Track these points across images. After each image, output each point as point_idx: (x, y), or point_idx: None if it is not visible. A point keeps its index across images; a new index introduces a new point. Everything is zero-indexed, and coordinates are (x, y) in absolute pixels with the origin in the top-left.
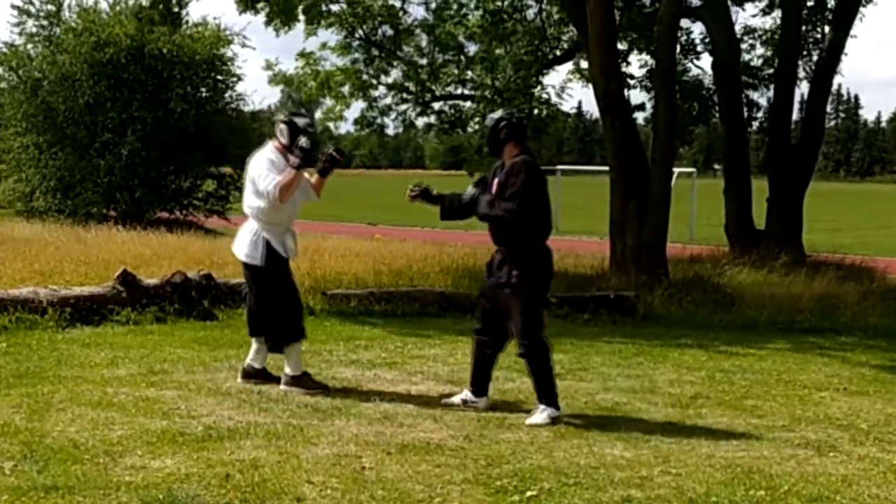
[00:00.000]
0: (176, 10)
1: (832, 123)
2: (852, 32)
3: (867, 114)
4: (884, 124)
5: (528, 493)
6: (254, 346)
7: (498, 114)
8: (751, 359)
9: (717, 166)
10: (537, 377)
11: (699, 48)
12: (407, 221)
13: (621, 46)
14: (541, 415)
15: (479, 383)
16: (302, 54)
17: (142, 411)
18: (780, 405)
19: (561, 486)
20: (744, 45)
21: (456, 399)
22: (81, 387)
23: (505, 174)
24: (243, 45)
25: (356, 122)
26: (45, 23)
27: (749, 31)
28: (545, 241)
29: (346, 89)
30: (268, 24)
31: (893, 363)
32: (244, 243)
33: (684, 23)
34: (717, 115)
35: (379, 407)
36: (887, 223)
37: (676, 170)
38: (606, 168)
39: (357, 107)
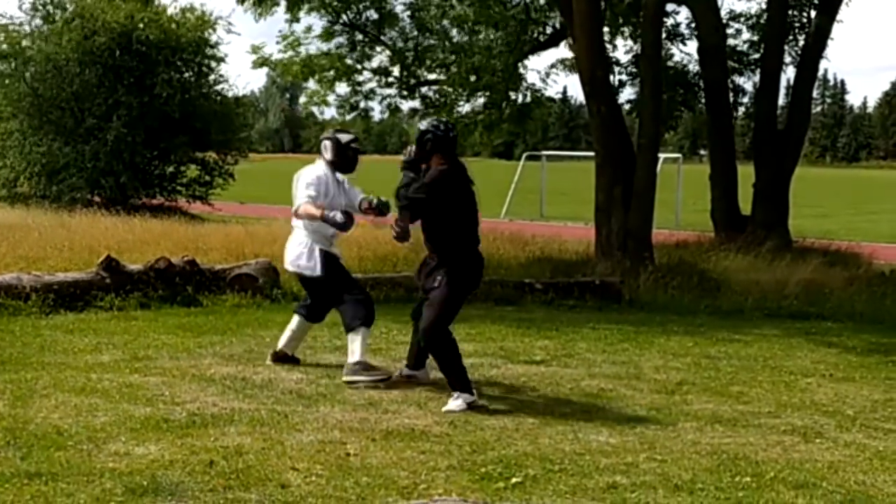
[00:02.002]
0: None
1: (818, 109)
2: (838, 17)
3: (853, 99)
4: (870, 110)
5: (514, 480)
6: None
7: (425, 125)
8: (737, 345)
9: (702, 152)
10: (443, 369)
11: (685, 33)
12: (392, 207)
13: (607, 30)
14: (454, 401)
15: (416, 358)
16: (285, 37)
17: (125, 398)
18: (766, 391)
19: (546, 473)
20: (729, 31)
21: (397, 373)
22: (65, 373)
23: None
24: (228, 31)
25: (339, 105)
26: (38, 7)
27: (735, 15)
28: (468, 248)
29: (330, 74)
30: (242, 2)
31: (879, 349)
32: (297, 255)
33: (670, 7)
34: (703, 100)
35: (363, 393)
36: (873, 209)
37: (662, 155)
38: (592, 154)
39: (340, 91)
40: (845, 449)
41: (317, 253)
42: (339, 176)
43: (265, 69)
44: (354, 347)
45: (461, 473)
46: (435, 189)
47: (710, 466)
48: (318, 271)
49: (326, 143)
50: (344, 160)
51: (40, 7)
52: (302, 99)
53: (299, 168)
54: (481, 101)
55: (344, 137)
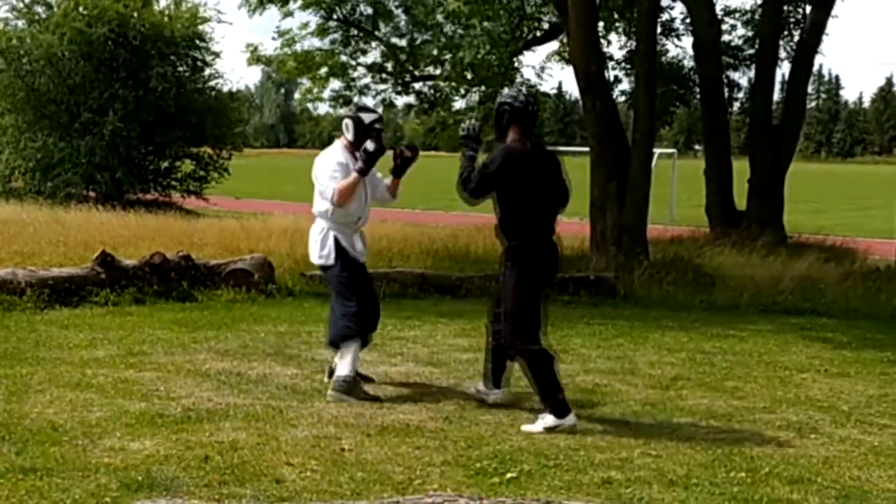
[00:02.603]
0: None
1: (813, 104)
2: (833, 12)
3: (849, 94)
4: (865, 105)
5: (509, 475)
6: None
7: (503, 96)
8: (731, 340)
9: (697, 147)
10: (533, 377)
11: (680, 29)
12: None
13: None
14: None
15: (495, 374)
16: (281, 33)
17: (120, 393)
18: (761, 387)
19: (541, 468)
20: (724, 26)
21: (472, 388)
22: (60, 368)
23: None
24: (219, 21)
25: (333, 99)
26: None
27: (730, 11)
28: (535, 237)
29: (323, 71)
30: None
31: (874, 344)
32: (315, 245)
33: (665, 3)
34: (698, 95)
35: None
36: (868, 204)
37: (657, 151)
38: (587, 149)
39: (334, 87)
40: (840, 444)
41: (331, 241)
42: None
43: (258, 54)
44: (346, 362)
45: (456, 469)
46: (505, 168)
47: (704, 461)
48: (330, 260)
49: (348, 123)
50: (365, 143)
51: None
52: (296, 95)
53: (295, 163)
54: (476, 96)
55: (367, 117)
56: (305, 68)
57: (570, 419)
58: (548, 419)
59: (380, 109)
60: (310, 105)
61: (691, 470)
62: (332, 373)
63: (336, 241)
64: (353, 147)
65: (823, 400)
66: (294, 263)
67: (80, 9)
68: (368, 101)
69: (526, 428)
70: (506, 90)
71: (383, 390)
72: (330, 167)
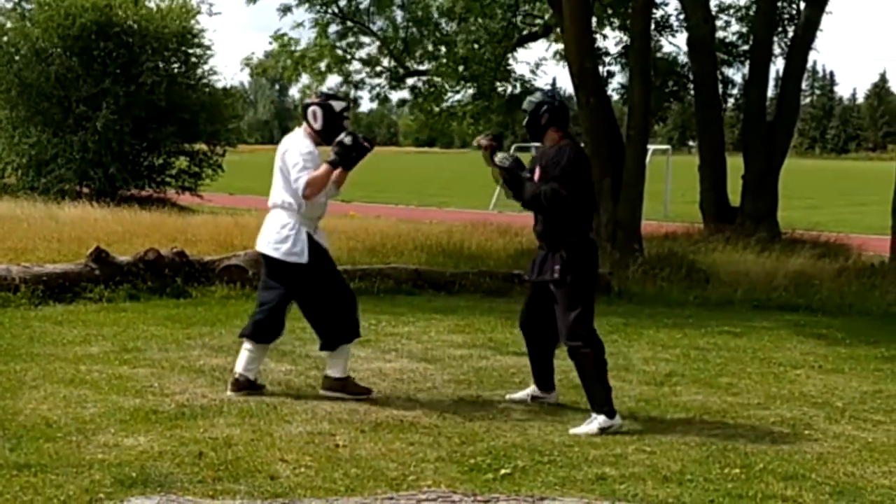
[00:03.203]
0: None
1: (807, 100)
2: (828, 8)
3: (843, 90)
4: (859, 101)
5: (503, 471)
6: (252, 352)
7: (538, 96)
8: (726, 336)
9: (691, 143)
10: (585, 381)
11: (674, 25)
12: (381, 199)
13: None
14: (588, 425)
15: (541, 378)
16: (277, 36)
17: (115, 389)
18: (755, 383)
19: (535, 464)
20: (719, 22)
21: (522, 394)
22: (54, 364)
23: (549, 160)
24: (210, 14)
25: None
26: None
27: (724, 7)
28: (587, 235)
29: (322, 65)
30: None
31: (868, 340)
32: (279, 239)
33: None
34: (692, 91)
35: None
36: (863, 200)
37: (651, 147)
38: (581, 145)
39: (331, 82)
40: (834, 441)
41: (304, 236)
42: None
43: (256, 62)
44: (337, 363)
45: (450, 465)
46: (577, 167)
47: (698, 458)
48: (304, 258)
49: (316, 111)
50: (333, 133)
51: None
52: (294, 92)
53: None
54: (470, 91)
55: (337, 105)
56: (303, 67)
57: (619, 420)
58: (601, 419)
59: (374, 104)
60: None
61: (685, 466)
62: (238, 384)
63: (308, 236)
64: (320, 137)
65: (817, 396)
66: None
67: (57, 4)
68: (363, 95)
69: (577, 430)
70: (536, 94)
71: (377, 386)
72: (301, 157)
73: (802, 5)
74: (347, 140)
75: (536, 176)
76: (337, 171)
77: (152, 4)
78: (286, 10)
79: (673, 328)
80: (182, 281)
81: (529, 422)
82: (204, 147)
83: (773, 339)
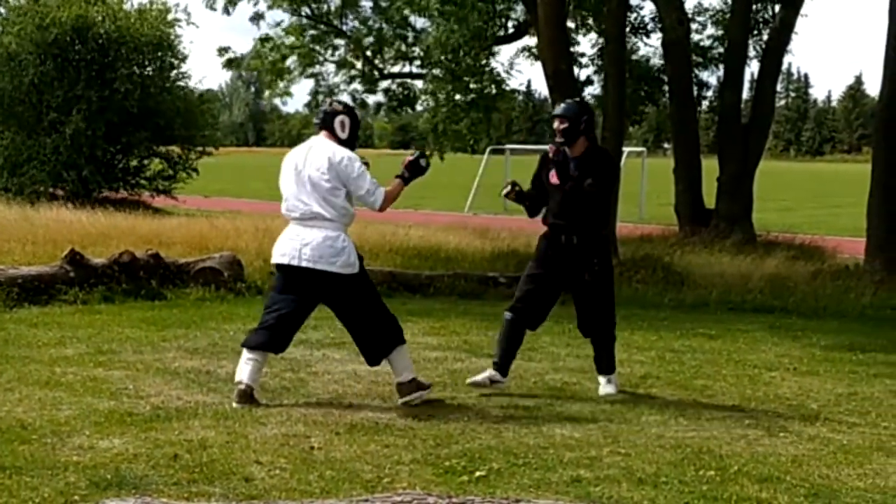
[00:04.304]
0: None
1: (782, 102)
2: (802, 11)
3: (817, 93)
4: (834, 103)
5: (478, 473)
6: (255, 361)
7: (574, 106)
8: (701, 339)
9: (666, 145)
10: (609, 353)
11: (649, 27)
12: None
13: (571, 24)
14: (612, 383)
15: (508, 361)
16: (263, 39)
17: (90, 391)
18: (730, 385)
19: (510, 467)
20: (694, 25)
21: (481, 378)
22: (29, 367)
23: (585, 162)
24: (188, 23)
25: (308, 104)
26: None
27: (699, 10)
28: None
29: (291, 62)
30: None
31: (843, 343)
32: (333, 253)
33: (634, 1)
34: (667, 94)
35: (327, 387)
36: (837, 202)
37: (626, 149)
38: None
39: (307, 87)
40: (809, 443)
41: (353, 246)
42: None
43: (231, 65)
44: (404, 365)
45: (425, 467)
46: (617, 176)
47: (673, 460)
48: (356, 269)
49: (345, 121)
50: (354, 143)
51: None
52: (266, 94)
53: (264, 161)
54: (442, 95)
55: (358, 115)
56: (279, 71)
57: None
58: (614, 379)
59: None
60: (279, 102)
61: (660, 468)
62: (244, 395)
63: (353, 246)
64: (344, 146)
65: (793, 398)
66: (263, 262)
67: (34, 13)
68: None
69: (606, 390)
70: (570, 103)
71: (352, 388)
72: (361, 167)
73: (777, 8)
74: (424, 163)
75: (555, 177)
76: (394, 183)
77: (128, 6)
78: (258, 17)
79: (648, 330)
80: (157, 283)
81: (504, 424)
82: (178, 150)
83: (748, 341)
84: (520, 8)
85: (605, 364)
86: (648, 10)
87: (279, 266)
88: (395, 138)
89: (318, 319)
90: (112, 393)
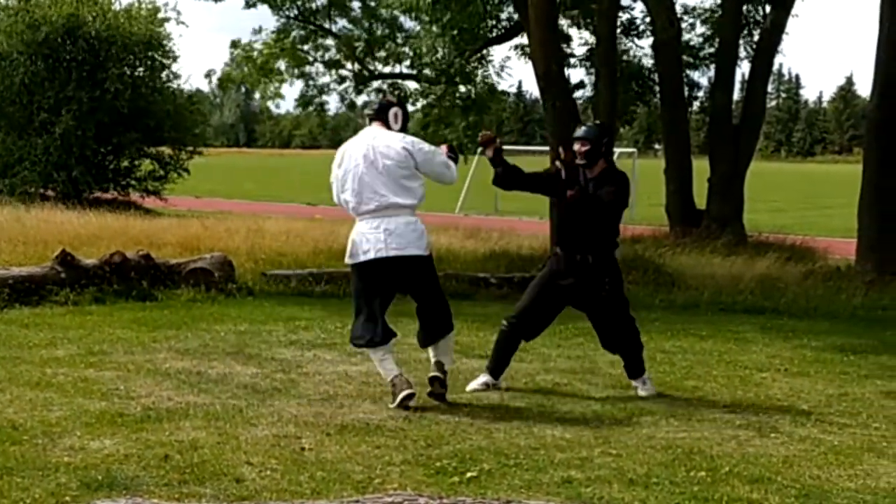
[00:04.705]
0: None
1: (773, 103)
2: (793, 12)
3: (808, 94)
4: (825, 104)
5: (468, 474)
6: (389, 355)
7: (596, 128)
8: (691, 339)
9: (657, 146)
10: (637, 357)
11: (640, 27)
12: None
13: (562, 22)
14: (647, 384)
15: (501, 368)
16: (235, 44)
17: (81, 392)
18: (721, 386)
19: (501, 467)
20: (684, 24)
21: (477, 384)
22: (20, 367)
23: (602, 182)
24: (178, 23)
25: (297, 101)
26: None
27: (689, 10)
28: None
29: (282, 65)
30: None
31: (834, 344)
32: (418, 236)
33: (625, 2)
34: (658, 94)
35: (319, 388)
36: (828, 203)
37: (617, 150)
38: (546, 148)
39: (298, 87)
40: (800, 444)
41: (425, 230)
42: None
43: (223, 66)
44: (450, 346)
45: (416, 468)
46: (628, 196)
47: (664, 461)
48: (428, 250)
49: (398, 112)
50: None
51: None
52: (256, 95)
53: (254, 162)
54: (432, 97)
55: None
56: (267, 72)
57: None
58: (647, 379)
59: (342, 109)
60: (271, 104)
61: (651, 469)
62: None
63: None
64: None
65: (783, 399)
66: (254, 263)
67: (24, 12)
68: (329, 101)
69: (644, 392)
70: (589, 126)
71: (343, 389)
72: (428, 145)
73: (768, 8)
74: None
75: (573, 194)
76: None
77: (117, 6)
78: (251, 4)
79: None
80: (148, 284)
81: (495, 425)
82: (169, 151)
83: (739, 342)
84: (509, 9)
85: (633, 369)
86: (639, 10)
87: (362, 263)
88: None
89: (308, 320)
90: (103, 394)
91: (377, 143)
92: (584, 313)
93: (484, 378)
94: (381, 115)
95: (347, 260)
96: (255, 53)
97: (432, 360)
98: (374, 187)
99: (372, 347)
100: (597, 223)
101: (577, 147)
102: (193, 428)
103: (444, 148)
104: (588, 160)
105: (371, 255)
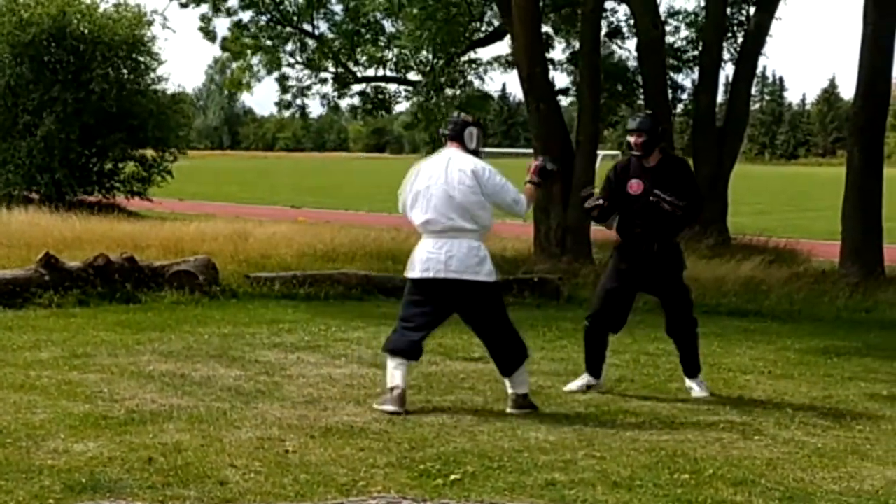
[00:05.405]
0: None
1: (757, 106)
2: (777, 14)
3: (792, 96)
4: (809, 107)
5: (452, 477)
6: (403, 366)
7: (650, 118)
8: None
9: None
10: (694, 353)
11: (624, 30)
12: (330, 204)
13: (546, 29)
14: (701, 385)
15: (597, 365)
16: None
17: (64, 395)
18: None
19: (485, 470)
20: (668, 27)
21: (577, 385)
22: (3, 370)
23: (661, 171)
24: (164, 27)
25: (277, 104)
26: None
27: (673, 12)
28: None
29: (256, 60)
30: None
31: (818, 346)
32: (477, 262)
33: (609, 5)
34: (642, 97)
35: (302, 390)
36: (812, 206)
37: (601, 152)
38: (530, 150)
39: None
40: (784, 446)
41: (488, 256)
42: None
43: (205, 65)
44: (523, 379)
45: (400, 470)
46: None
47: (648, 463)
48: (493, 276)
49: (473, 132)
50: (480, 153)
51: None
52: (228, 83)
53: (238, 165)
54: (416, 99)
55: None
56: (247, 73)
57: None
58: (702, 381)
59: (324, 111)
60: (255, 106)
61: (635, 472)
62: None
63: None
64: (474, 154)
65: (767, 401)
66: (238, 266)
67: (11, 13)
68: (309, 104)
69: (698, 393)
70: (644, 116)
71: (327, 392)
72: (501, 177)
73: (752, 11)
74: (550, 167)
75: (636, 186)
76: (527, 188)
77: (104, 8)
78: (229, 13)
79: (623, 334)
80: (132, 286)
81: (479, 427)
82: (153, 153)
83: (722, 344)
84: (491, 11)
85: (690, 366)
86: (623, 12)
87: (420, 280)
88: (369, 141)
89: (291, 323)
90: (87, 396)
91: (452, 166)
92: (657, 298)
93: (585, 379)
94: (456, 135)
95: (407, 273)
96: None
97: (508, 391)
98: (443, 210)
99: (395, 357)
100: (661, 214)
101: (632, 139)
102: (177, 430)
103: (533, 165)
104: (644, 151)
105: (430, 275)
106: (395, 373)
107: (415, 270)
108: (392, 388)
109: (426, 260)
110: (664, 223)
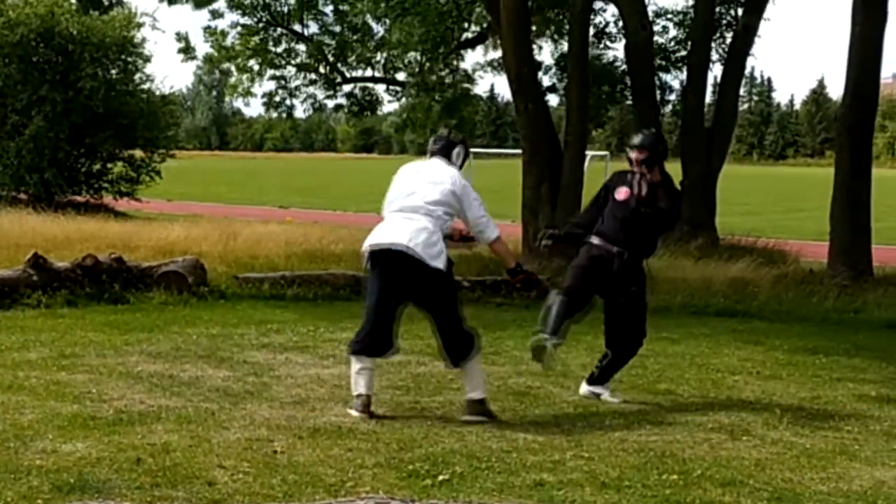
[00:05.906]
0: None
1: (745, 106)
2: (765, 15)
3: (780, 97)
4: (797, 107)
5: (441, 477)
6: (369, 370)
7: (653, 135)
8: (664, 343)
9: None
10: (621, 366)
11: (612, 31)
12: (319, 205)
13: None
14: (613, 394)
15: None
16: (210, 32)
17: (53, 395)
18: (694, 389)
19: (473, 470)
20: (656, 27)
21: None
22: None
23: (657, 188)
24: (153, 28)
25: (265, 103)
26: None
27: (662, 12)
28: None
29: (253, 63)
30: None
31: (806, 346)
32: (437, 253)
33: (597, 5)
34: (630, 97)
35: (291, 391)
36: (801, 206)
37: (589, 153)
38: (519, 151)
39: (266, 88)
40: (772, 446)
41: (444, 246)
42: None
43: (194, 65)
44: (478, 382)
45: (388, 471)
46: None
47: (637, 464)
48: (441, 264)
49: (460, 152)
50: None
51: None
52: (227, 88)
53: (227, 165)
54: (405, 100)
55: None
56: (230, 56)
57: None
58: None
59: (310, 112)
60: (243, 107)
61: (623, 472)
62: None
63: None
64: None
65: (756, 402)
66: (226, 266)
67: (3, 11)
68: (297, 104)
69: (610, 399)
70: (646, 133)
71: (315, 392)
72: (476, 196)
73: (740, 11)
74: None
75: (624, 194)
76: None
77: (95, 13)
78: (217, 15)
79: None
80: (120, 287)
81: (467, 428)
82: (141, 153)
83: (711, 345)
84: (477, 11)
85: (606, 374)
86: (612, 13)
87: (379, 252)
88: (357, 142)
89: (280, 323)
90: (75, 397)
91: (438, 167)
92: (603, 301)
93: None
94: (445, 152)
95: (366, 244)
96: (228, 43)
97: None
98: (414, 189)
99: (361, 358)
100: (642, 228)
101: (634, 155)
102: (165, 431)
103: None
104: (646, 165)
105: (387, 244)
106: (358, 379)
107: (374, 241)
108: (357, 396)
109: (388, 234)
110: (641, 237)
